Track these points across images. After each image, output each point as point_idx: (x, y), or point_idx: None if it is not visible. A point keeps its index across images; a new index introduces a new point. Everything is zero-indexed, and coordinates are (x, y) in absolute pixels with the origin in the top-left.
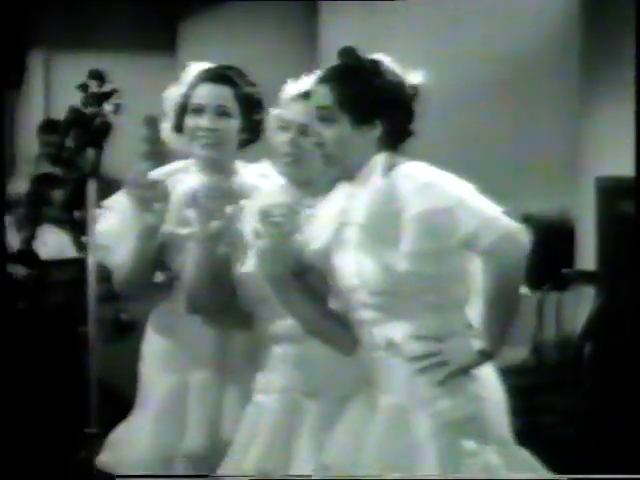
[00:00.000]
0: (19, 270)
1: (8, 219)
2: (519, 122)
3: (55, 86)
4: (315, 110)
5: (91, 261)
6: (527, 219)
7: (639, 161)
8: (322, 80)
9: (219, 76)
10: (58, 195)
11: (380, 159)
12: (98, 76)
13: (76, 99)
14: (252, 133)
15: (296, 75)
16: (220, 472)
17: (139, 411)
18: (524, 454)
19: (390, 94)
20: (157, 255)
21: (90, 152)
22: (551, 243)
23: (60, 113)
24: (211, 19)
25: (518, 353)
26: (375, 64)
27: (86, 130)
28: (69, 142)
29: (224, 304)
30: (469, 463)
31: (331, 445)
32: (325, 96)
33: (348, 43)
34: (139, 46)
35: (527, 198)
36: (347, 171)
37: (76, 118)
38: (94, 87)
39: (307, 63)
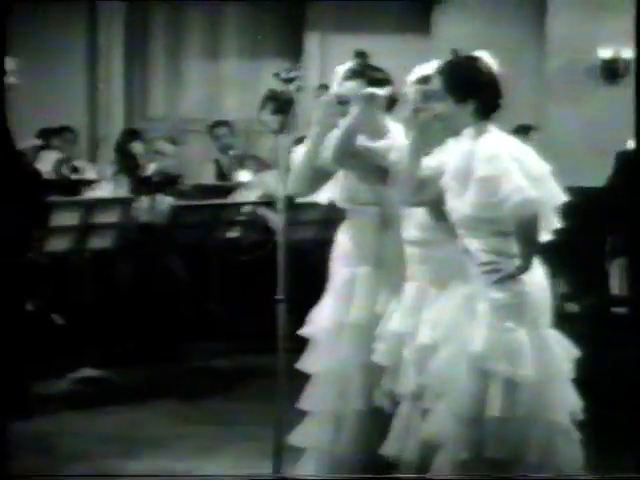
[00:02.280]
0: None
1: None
2: None
3: (329, 64)
4: (433, 92)
5: (281, 196)
6: None
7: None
8: (436, 71)
9: (354, 74)
10: None
11: (471, 129)
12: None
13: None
14: (390, 106)
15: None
16: (376, 338)
17: (327, 294)
18: (554, 336)
19: (480, 80)
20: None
21: (280, 118)
22: None
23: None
24: (463, 3)
25: None
26: (472, 59)
27: (276, 102)
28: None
29: None
30: (505, 337)
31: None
32: (437, 83)
33: (574, 30)
34: (399, 28)
35: None
36: (453, 133)
37: (271, 95)
38: (283, 74)
39: (535, 45)
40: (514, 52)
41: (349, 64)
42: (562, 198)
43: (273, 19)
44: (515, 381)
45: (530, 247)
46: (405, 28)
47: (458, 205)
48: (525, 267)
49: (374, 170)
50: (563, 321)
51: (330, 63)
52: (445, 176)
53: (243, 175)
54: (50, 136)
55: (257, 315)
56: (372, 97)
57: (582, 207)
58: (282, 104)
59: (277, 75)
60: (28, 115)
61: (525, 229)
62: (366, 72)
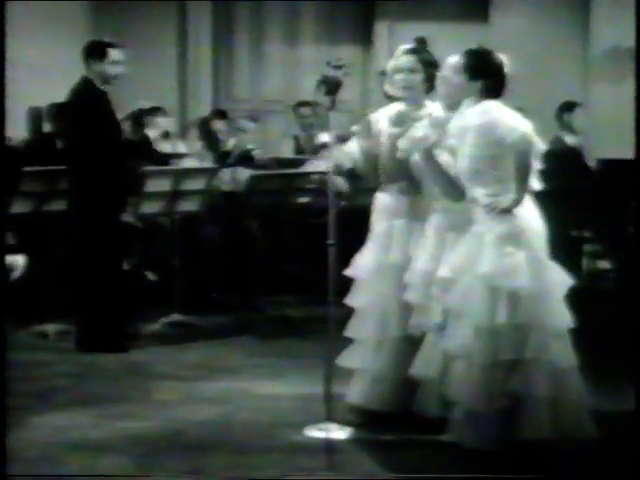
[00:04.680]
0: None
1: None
2: None
3: (396, 50)
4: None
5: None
6: None
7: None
8: (462, 54)
9: (411, 50)
10: None
11: (471, 99)
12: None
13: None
14: (430, 82)
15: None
16: (406, 276)
17: (368, 242)
18: (551, 263)
19: (488, 68)
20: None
21: (330, 97)
22: None
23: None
24: None
25: None
26: (487, 52)
27: (327, 86)
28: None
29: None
30: (507, 259)
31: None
32: (460, 63)
33: (616, 32)
34: (459, 17)
35: None
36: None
37: (324, 79)
38: (333, 62)
39: (580, 31)
40: (562, 38)
41: (409, 45)
42: (543, 147)
43: (346, 8)
44: (517, 293)
45: (524, 180)
46: (465, 17)
47: (461, 156)
48: (519, 200)
49: None
50: (595, 278)
51: (396, 49)
52: (450, 140)
53: (323, 136)
54: (144, 115)
55: (323, 272)
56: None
57: (615, 176)
58: (332, 87)
59: (329, 63)
60: (126, 97)
61: (522, 161)
62: (420, 52)
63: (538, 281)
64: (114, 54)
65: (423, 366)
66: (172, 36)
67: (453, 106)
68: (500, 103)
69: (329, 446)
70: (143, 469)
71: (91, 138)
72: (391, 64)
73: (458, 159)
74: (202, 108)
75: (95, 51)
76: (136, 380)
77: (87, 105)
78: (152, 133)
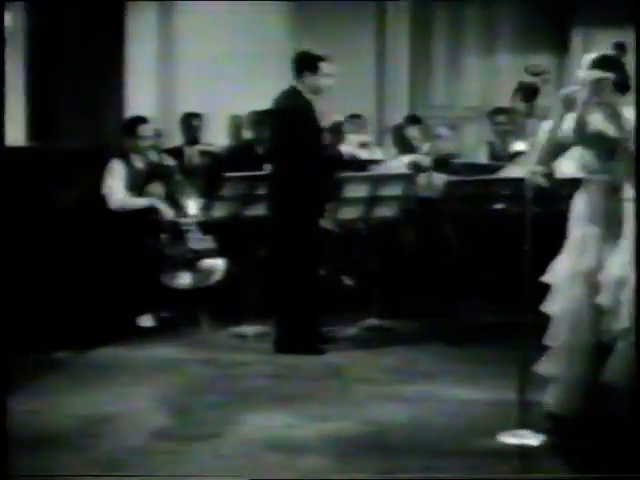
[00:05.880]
0: None
1: None
2: None
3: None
4: None
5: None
6: None
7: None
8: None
9: (596, 63)
10: None
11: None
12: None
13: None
14: (623, 89)
15: None
16: (599, 279)
17: (564, 249)
18: None
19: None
20: None
21: (528, 104)
22: None
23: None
24: None
25: None
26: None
27: (524, 92)
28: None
29: None
30: None
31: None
32: None
33: None
34: None
35: None
36: None
37: (521, 86)
38: (531, 69)
39: None
40: None
41: (594, 54)
42: None
43: (543, 17)
44: None
45: None
46: None
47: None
48: None
49: (605, 147)
50: None
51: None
52: None
53: (518, 144)
54: (343, 122)
55: (519, 278)
56: (599, 81)
57: None
58: (529, 93)
59: (526, 70)
60: (325, 105)
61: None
62: (605, 62)
63: None
64: (327, 67)
65: (617, 373)
66: (370, 45)
67: None
68: None
69: (523, 452)
70: (340, 469)
71: (298, 146)
72: (579, 74)
73: None
74: (399, 115)
75: (308, 64)
76: (334, 382)
77: (297, 114)
78: (353, 138)
